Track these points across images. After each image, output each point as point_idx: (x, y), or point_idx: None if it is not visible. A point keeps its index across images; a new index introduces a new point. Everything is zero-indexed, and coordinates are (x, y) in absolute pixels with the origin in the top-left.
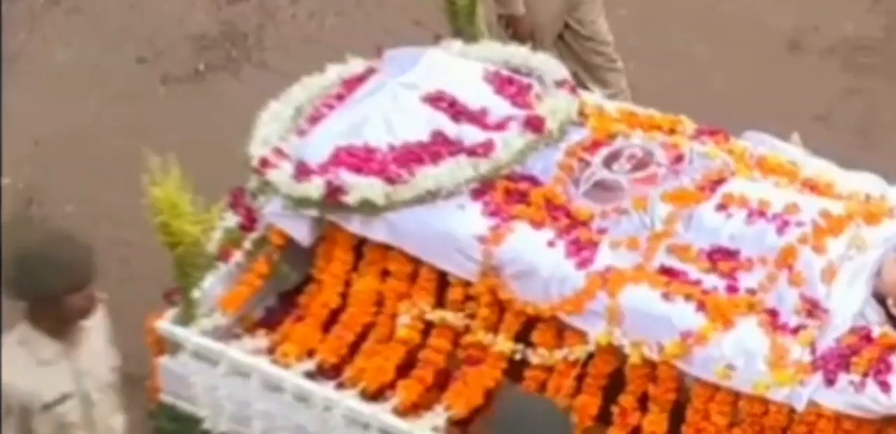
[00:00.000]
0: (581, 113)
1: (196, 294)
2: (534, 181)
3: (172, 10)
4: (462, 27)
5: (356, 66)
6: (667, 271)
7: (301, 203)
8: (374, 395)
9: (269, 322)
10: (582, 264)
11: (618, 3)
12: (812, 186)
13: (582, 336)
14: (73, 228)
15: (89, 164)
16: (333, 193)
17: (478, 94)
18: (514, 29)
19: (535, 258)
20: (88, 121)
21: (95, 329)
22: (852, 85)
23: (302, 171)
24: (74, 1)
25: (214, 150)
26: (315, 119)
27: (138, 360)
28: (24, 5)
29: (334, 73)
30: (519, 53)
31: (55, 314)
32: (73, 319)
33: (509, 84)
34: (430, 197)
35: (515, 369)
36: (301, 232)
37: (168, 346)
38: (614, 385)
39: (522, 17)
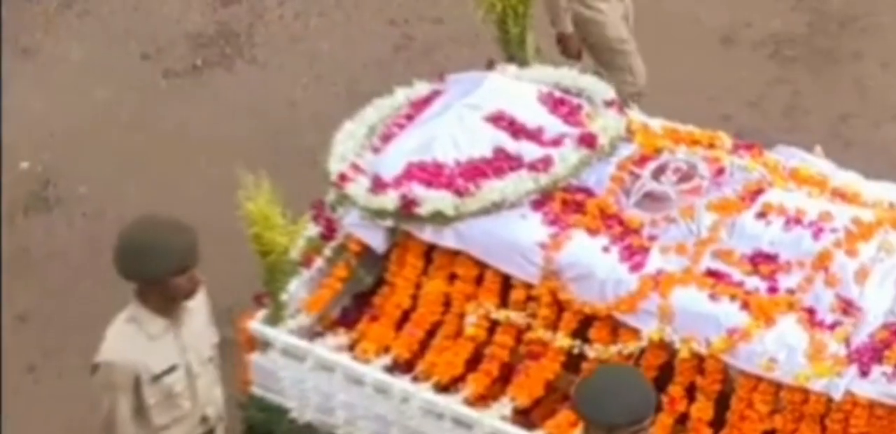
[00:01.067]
0: (628, 130)
1: (283, 297)
2: (588, 193)
3: (172, 12)
4: (514, 53)
5: (422, 88)
6: (713, 274)
7: (377, 214)
8: (446, 388)
9: (346, 321)
10: (635, 268)
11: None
12: (841, 195)
13: (635, 333)
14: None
15: (100, 150)
16: (408, 205)
17: (534, 114)
18: (563, 46)
19: (592, 262)
20: (99, 111)
21: (197, 309)
22: (779, 75)
23: (378, 185)
24: (85, 4)
25: (209, 135)
26: (387, 137)
27: None
28: (39, 9)
29: (402, 95)
30: (569, 75)
31: (162, 294)
32: (178, 299)
33: (561, 104)
34: (495, 208)
35: (573, 363)
36: (376, 240)
37: (258, 344)
38: (661, 377)
39: (570, 36)
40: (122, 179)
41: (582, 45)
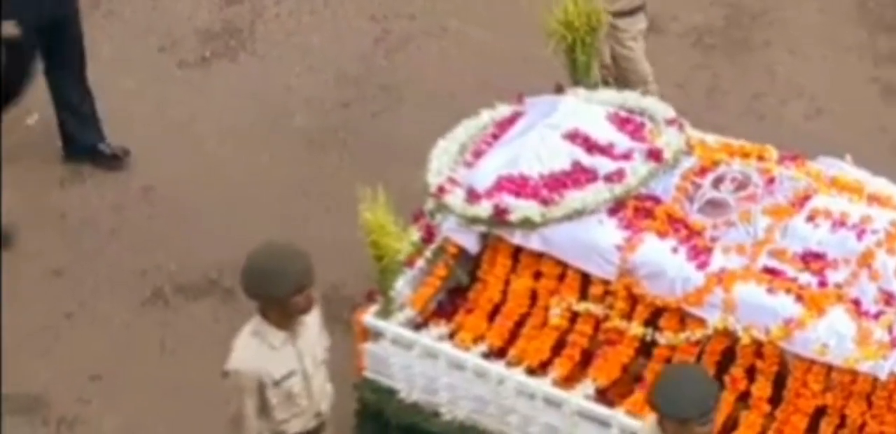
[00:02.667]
0: (688, 144)
1: (392, 294)
2: (657, 200)
3: (184, 11)
4: (580, 78)
5: (504, 110)
6: (769, 271)
7: (472, 221)
8: (534, 371)
9: (442, 313)
10: (700, 266)
11: None
12: (876, 200)
13: (701, 322)
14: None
15: (126, 132)
16: (500, 214)
17: (604, 132)
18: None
19: (662, 262)
20: (123, 97)
21: (312, 319)
22: (700, 61)
23: (472, 196)
24: (109, 5)
25: (217, 117)
26: (478, 154)
27: None
28: None
29: (487, 116)
30: (632, 97)
31: (282, 311)
32: (295, 315)
33: (627, 122)
34: (576, 215)
35: (645, 349)
36: (470, 243)
37: (371, 334)
38: (722, 360)
39: (608, 66)
40: (146, 156)
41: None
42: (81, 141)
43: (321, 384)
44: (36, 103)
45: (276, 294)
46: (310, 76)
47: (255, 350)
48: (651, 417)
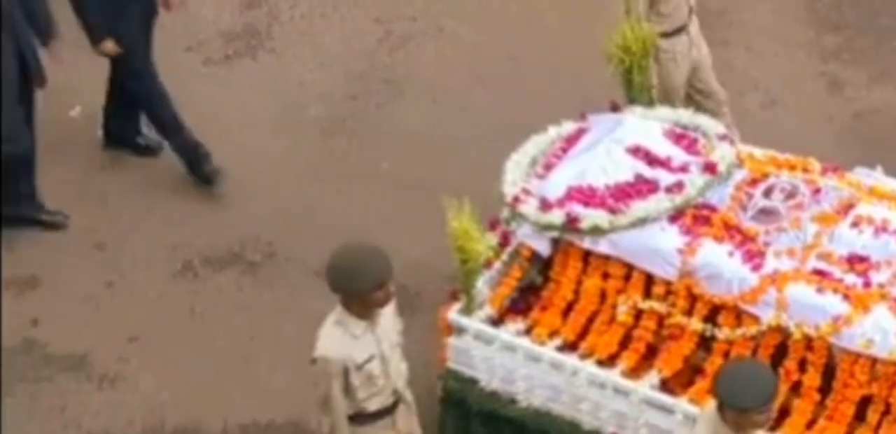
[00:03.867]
0: (738, 158)
1: (474, 293)
2: (713, 209)
3: (209, 14)
4: (636, 97)
5: (569, 126)
6: (818, 272)
7: (545, 228)
8: (604, 363)
9: (517, 310)
10: (755, 268)
11: (509, 2)
12: None
13: (756, 319)
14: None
15: None
16: (571, 222)
17: (662, 146)
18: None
19: (720, 264)
20: None
21: (388, 307)
22: None
23: (545, 205)
24: None
25: (239, 109)
26: (549, 166)
27: None
28: None
29: (554, 131)
30: (685, 115)
31: (363, 304)
32: (375, 307)
33: (682, 138)
34: (641, 222)
35: (704, 343)
36: (543, 247)
37: (454, 330)
38: (775, 354)
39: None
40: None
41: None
42: (121, 134)
43: (396, 365)
44: (79, 97)
45: (358, 289)
46: (321, 72)
47: (339, 338)
48: (710, 405)
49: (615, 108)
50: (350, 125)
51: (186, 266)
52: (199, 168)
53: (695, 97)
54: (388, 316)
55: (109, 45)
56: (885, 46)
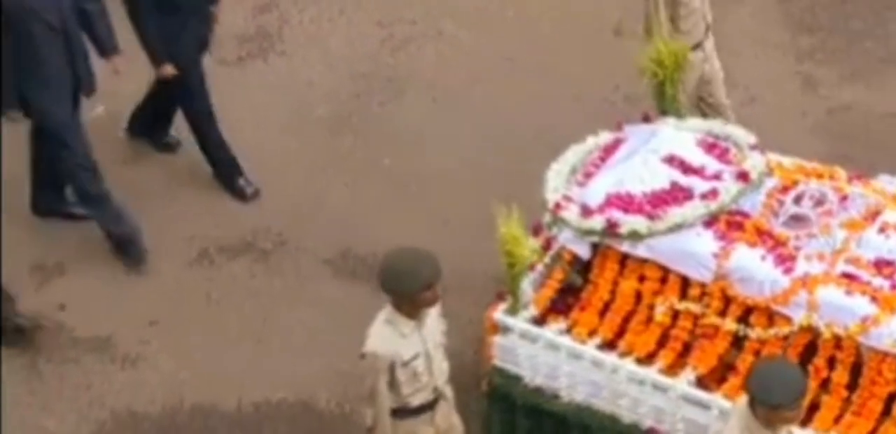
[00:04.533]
0: (768, 166)
1: (519, 294)
2: (746, 215)
3: (224, 18)
4: (667, 109)
5: (605, 137)
6: (847, 276)
7: (586, 233)
8: (642, 361)
9: (557, 310)
10: (786, 272)
11: (506, 6)
12: None
13: (787, 320)
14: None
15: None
16: (612, 227)
17: (695, 156)
18: None
19: (753, 268)
20: None
21: (433, 308)
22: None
23: (586, 212)
24: None
25: (251, 108)
26: (588, 175)
27: None
28: None
29: (592, 142)
30: (716, 125)
31: (412, 304)
32: (423, 308)
33: (714, 147)
34: (677, 228)
35: (737, 342)
36: (583, 250)
37: (500, 329)
38: (805, 352)
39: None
40: (192, 140)
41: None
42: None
43: (439, 364)
44: (101, 97)
45: (408, 290)
46: (328, 73)
47: (388, 336)
48: (741, 401)
49: (647, 118)
50: (355, 123)
51: (203, 254)
52: (234, 182)
53: (703, 109)
54: (434, 317)
55: (168, 69)
56: (855, 47)
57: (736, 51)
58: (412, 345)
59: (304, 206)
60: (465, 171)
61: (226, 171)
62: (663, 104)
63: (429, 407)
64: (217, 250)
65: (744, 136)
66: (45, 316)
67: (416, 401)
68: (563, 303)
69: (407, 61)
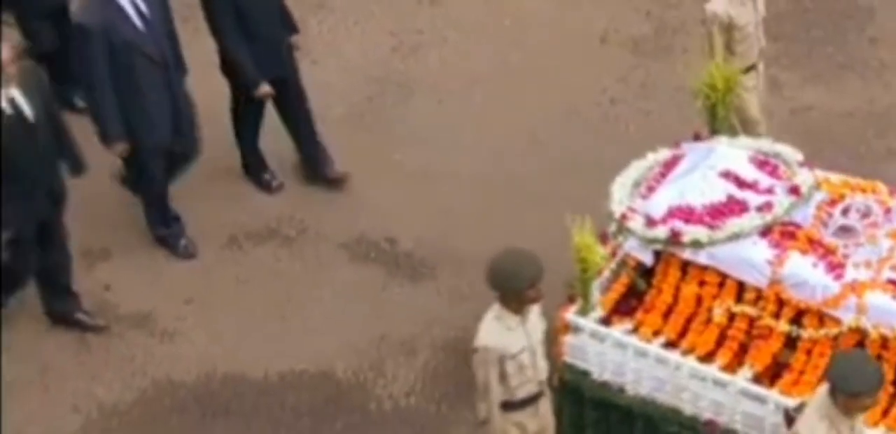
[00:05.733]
0: (816, 181)
1: (589, 297)
2: (798, 226)
3: None
4: (718, 129)
5: (664, 153)
6: (892, 282)
7: (651, 242)
8: (703, 359)
9: (621, 311)
10: (836, 278)
11: (503, 17)
12: None
13: (837, 322)
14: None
15: (214, 120)
16: (675, 236)
17: (748, 171)
18: None
19: (805, 274)
20: (211, 96)
21: (535, 307)
22: (636, 62)
23: (650, 222)
24: (195, 23)
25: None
26: (650, 188)
27: None
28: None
29: (651, 158)
30: (766, 143)
31: (518, 301)
32: (528, 304)
33: (765, 164)
34: (735, 237)
35: (790, 342)
36: (647, 257)
37: (571, 328)
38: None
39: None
40: (223, 139)
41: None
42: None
43: (541, 357)
44: None
45: (516, 287)
46: (344, 77)
47: (497, 331)
48: (820, 391)
49: (698, 137)
50: (368, 122)
51: (232, 240)
52: (261, 177)
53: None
54: (536, 314)
55: (265, 89)
56: (816, 53)
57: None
58: (518, 338)
59: (323, 197)
60: (466, 164)
61: (254, 167)
62: (715, 124)
63: (532, 400)
64: (245, 237)
65: (791, 153)
66: (101, 317)
67: (522, 393)
68: (627, 305)
69: (415, 66)
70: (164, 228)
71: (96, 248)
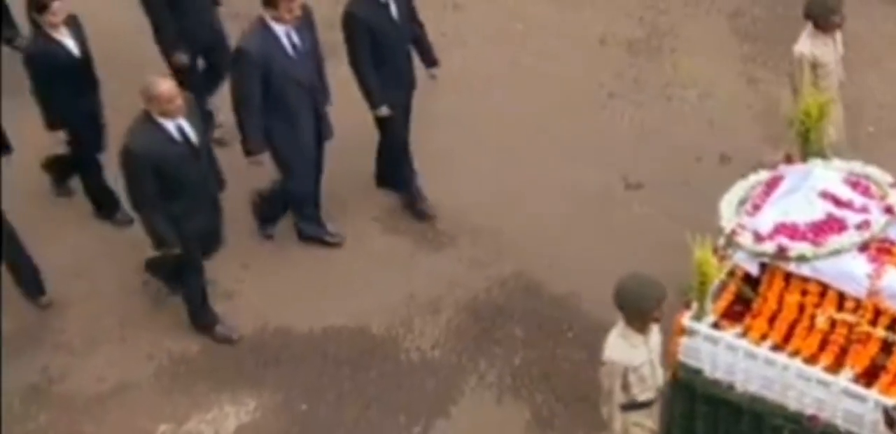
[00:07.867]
0: None
1: (705, 304)
2: (893, 243)
3: None
4: (812, 152)
5: (765, 175)
6: None
7: (758, 255)
8: (807, 361)
9: (730, 317)
10: None
11: (516, 19)
12: None
13: None
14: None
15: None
16: (782, 251)
17: (843, 192)
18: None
19: None
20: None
21: (656, 325)
22: (631, 61)
23: (757, 238)
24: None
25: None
26: (757, 207)
27: None
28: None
29: (753, 179)
30: (857, 166)
31: (642, 321)
32: (651, 323)
33: (858, 185)
34: (837, 253)
35: (886, 347)
36: (754, 268)
37: (686, 331)
38: None
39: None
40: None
41: None
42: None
43: (659, 370)
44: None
45: (642, 309)
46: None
47: (622, 348)
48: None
49: (789, 159)
50: None
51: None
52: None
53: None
54: (656, 331)
55: (384, 110)
56: (789, 52)
57: (696, 55)
58: (641, 354)
59: (362, 178)
60: (482, 149)
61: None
62: (808, 147)
63: (650, 403)
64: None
65: (881, 175)
66: (236, 331)
67: (642, 397)
68: (735, 311)
69: (439, 66)
70: (317, 227)
71: None
